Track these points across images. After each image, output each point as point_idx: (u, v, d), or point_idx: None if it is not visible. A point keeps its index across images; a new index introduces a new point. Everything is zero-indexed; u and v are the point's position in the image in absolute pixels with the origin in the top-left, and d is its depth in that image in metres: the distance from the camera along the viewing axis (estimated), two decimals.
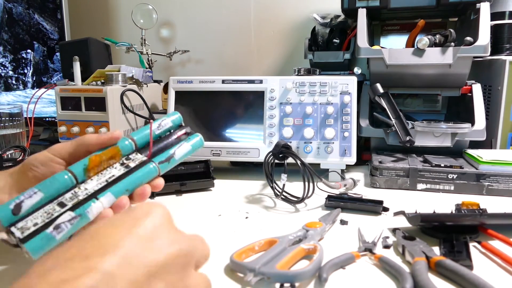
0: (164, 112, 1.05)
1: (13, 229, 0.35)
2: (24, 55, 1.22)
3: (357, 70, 0.97)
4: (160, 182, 0.46)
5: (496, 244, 0.48)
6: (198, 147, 0.50)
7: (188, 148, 0.48)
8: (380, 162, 0.75)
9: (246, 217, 0.60)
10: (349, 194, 0.67)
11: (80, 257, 0.24)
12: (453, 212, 0.57)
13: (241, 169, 0.90)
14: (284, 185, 0.66)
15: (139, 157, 0.44)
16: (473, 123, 0.82)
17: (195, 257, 0.30)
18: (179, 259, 0.28)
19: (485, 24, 0.81)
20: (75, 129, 0.91)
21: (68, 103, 0.92)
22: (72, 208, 0.37)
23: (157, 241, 0.28)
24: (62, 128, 0.93)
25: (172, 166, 0.47)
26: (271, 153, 0.68)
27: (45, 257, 0.25)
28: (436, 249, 0.47)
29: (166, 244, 0.28)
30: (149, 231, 0.28)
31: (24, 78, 1.23)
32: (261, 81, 0.83)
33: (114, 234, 0.27)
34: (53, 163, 0.43)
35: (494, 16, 0.90)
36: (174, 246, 0.28)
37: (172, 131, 0.49)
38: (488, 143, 0.87)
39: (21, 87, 1.23)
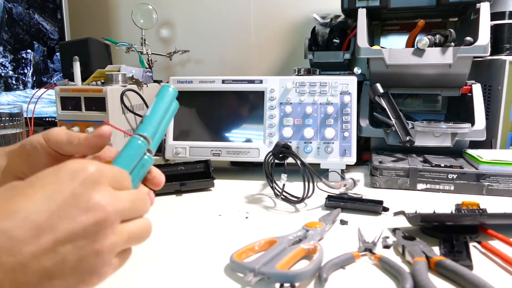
0: None
1: None
2: (24, 55, 1.22)
3: (357, 70, 0.97)
4: (160, 179, 0.39)
5: (496, 244, 0.48)
6: (165, 94, 0.40)
7: (153, 100, 0.40)
8: (380, 162, 0.75)
9: (246, 217, 0.60)
10: (349, 194, 0.67)
11: None
12: (453, 212, 0.57)
13: (241, 169, 0.90)
14: (284, 185, 0.66)
15: None
16: (473, 123, 0.82)
17: (117, 220, 0.29)
18: (93, 227, 0.28)
19: (485, 24, 0.81)
20: (75, 129, 0.91)
21: (68, 103, 0.92)
22: None
23: (72, 209, 0.27)
24: None
25: (151, 126, 0.38)
26: (271, 153, 0.68)
27: None
28: (436, 249, 0.47)
29: (80, 212, 0.27)
30: (66, 196, 0.27)
31: (24, 78, 1.23)
32: (261, 81, 0.83)
33: (30, 195, 0.27)
34: (44, 150, 0.40)
35: (494, 16, 0.90)
36: (88, 215, 0.27)
37: None
38: (488, 143, 0.87)
39: (21, 87, 1.23)
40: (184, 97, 0.86)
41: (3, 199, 0.27)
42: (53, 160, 0.39)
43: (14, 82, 1.24)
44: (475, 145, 0.82)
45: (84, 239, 0.27)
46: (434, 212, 0.55)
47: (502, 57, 0.85)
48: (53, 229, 0.26)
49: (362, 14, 0.89)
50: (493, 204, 0.63)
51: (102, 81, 0.96)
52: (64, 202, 0.27)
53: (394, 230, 0.53)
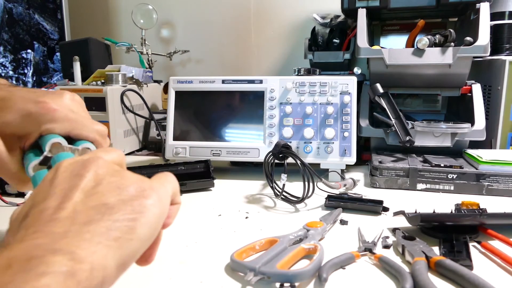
0: (164, 112, 1.05)
1: None
2: (24, 55, 1.22)
3: (357, 70, 0.97)
4: None
5: (496, 244, 0.48)
6: None
7: None
8: (380, 162, 0.75)
9: (246, 217, 0.60)
10: (349, 194, 0.67)
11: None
12: (453, 212, 0.57)
13: (241, 169, 0.90)
14: (284, 185, 0.66)
15: None
16: (473, 123, 0.82)
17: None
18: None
19: (485, 24, 0.81)
20: None
21: None
22: None
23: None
24: None
25: None
26: (271, 153, 0.68)
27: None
28: (436, 249, 0.47)
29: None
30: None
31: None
32: (261, 81, 0.83)
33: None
34: None
35: (494, 16, 0.90)
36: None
37: None
38: (488, 143, 0.87)
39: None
40: (184, 97, 0.86)
41: None
42: None
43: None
44: (475, 145, 0.82)
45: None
46: (434, 212, 0.55)
47: (502, 57, 0.85)
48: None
49: (362, 14, 0.89)
50: (493, 204, 0.63)
51: (102, 81, 0.97)
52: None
53: (394, 230, 0.53)
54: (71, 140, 0.38)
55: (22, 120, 0.37)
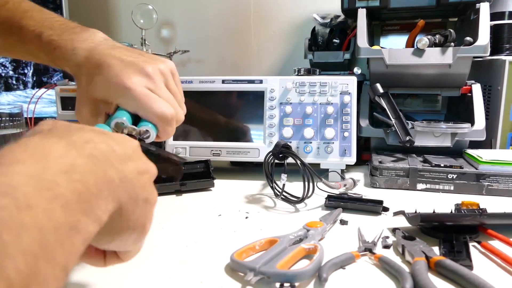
0: None
1: None
2: None
3: (357, 70, 0.97)
4: None
5: (496, 244, 0.48)
6: None
7: None
8: (380, 162, 0.75)
9: (246, 217, 0.60)
10: (349, 194, 0.67)
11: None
12: (453, 212, 0.57)
13: (241, 169, 0.90)
14: (284, 185, 0.66)
15: None
16: (473, 123, 0.82)
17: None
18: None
19: (485, 24, 0.81)
20: None
21: (68, 103, 0.92)
22: None
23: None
24: None
25: None
26: (271, 153, 0.68)
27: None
28: (436, 249, 0.47)
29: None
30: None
31: (24, 78, 1.23)
32: (261, 81, 0.83)
33: None
34: None
35: (494, 16, 0.90)
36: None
37: None
38: (488, 143, 0.87)
39: (21, 87, 1.23)
40: (184, 97, 0.86)
41: None
42: None
43: (14, 82, 1.24)
44: (475, 145, 0.82)
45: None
46: (434, 212, 0.55)
47: (502, 57, 0.85)
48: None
49: (362, 14, 0.89)
50: (493, 204, 0.63)
51: None
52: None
53: (394, 230, 0.53)
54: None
55: (104, 89, 0.41)
